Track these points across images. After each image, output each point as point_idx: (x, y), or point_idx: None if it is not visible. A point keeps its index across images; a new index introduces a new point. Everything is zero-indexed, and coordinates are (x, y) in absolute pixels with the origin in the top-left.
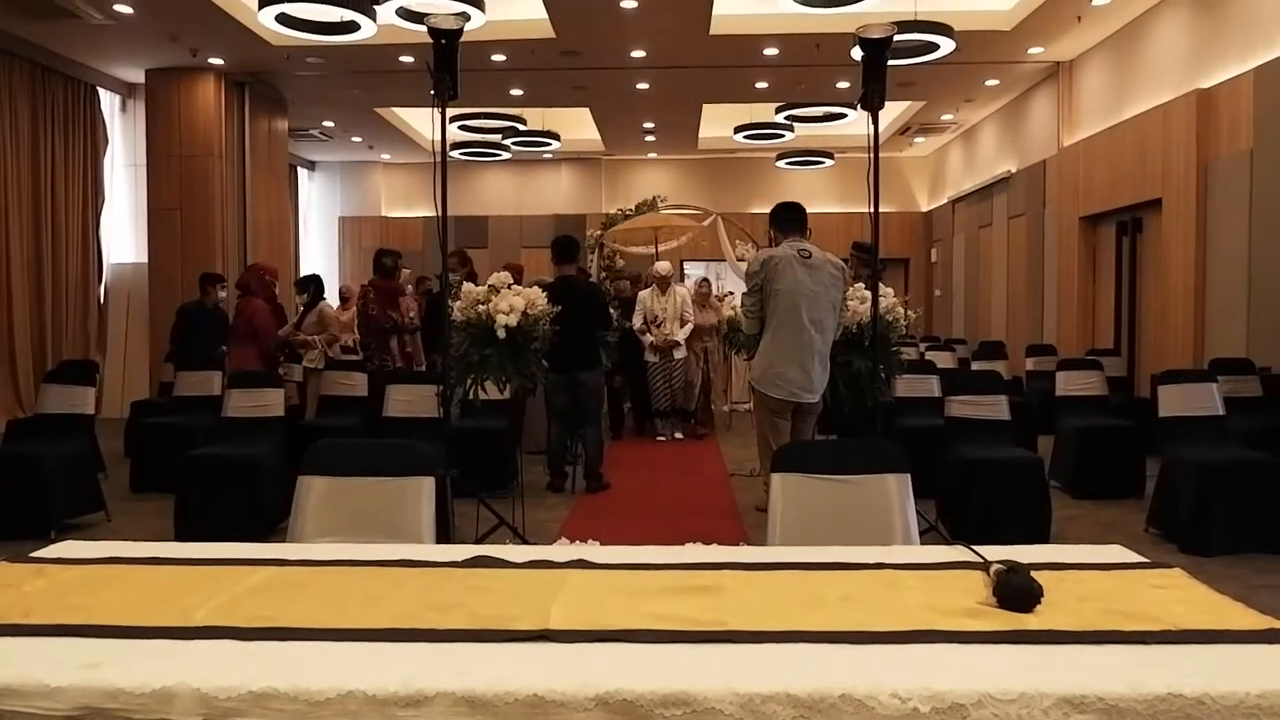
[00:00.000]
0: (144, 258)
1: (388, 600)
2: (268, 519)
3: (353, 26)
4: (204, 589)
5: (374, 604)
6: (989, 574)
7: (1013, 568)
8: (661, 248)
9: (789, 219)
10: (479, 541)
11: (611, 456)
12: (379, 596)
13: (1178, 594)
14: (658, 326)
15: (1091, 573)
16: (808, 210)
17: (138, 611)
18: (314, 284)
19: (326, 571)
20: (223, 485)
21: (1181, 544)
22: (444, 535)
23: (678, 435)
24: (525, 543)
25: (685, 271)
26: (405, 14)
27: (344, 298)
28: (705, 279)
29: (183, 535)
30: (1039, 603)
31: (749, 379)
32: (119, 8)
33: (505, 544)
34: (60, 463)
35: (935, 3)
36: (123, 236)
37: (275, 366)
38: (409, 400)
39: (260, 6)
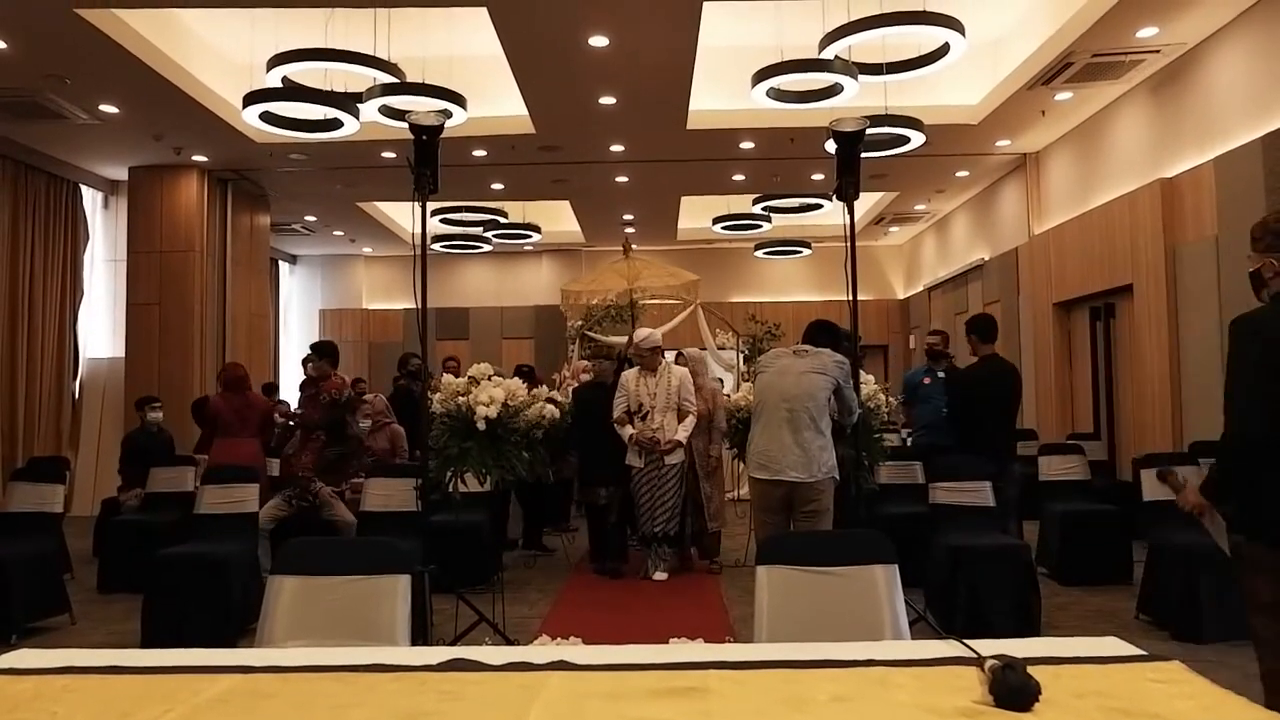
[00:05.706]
0: (121, 352)
1: (357, 709)
2: (240, 620)
3: (336, 124)
4: (161, 701)
5: (343, 714)
6: (983, 670)
7: (1008, 664)
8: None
9: (809, 334)
10: (457, 640)
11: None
12: (349, 705)
13: (1178, 689)
14: (643, 418)
15: (1088, 667)
16: (785, 300)
17: None
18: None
19: (293, 679)
20: (193, 585)
21: (1174, 631)
22: (421, 634)
23: (658, 576)
24: (506, 640)
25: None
26: (387, 111)
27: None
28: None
29: (150, 638)
30: (1037, 701)
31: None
32: (105, 108)
33: (485, 642)
34: (25, 563)
35: (905, 98)
36: (100, 331)
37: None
38: (387, 494)
39: (244, 105)
